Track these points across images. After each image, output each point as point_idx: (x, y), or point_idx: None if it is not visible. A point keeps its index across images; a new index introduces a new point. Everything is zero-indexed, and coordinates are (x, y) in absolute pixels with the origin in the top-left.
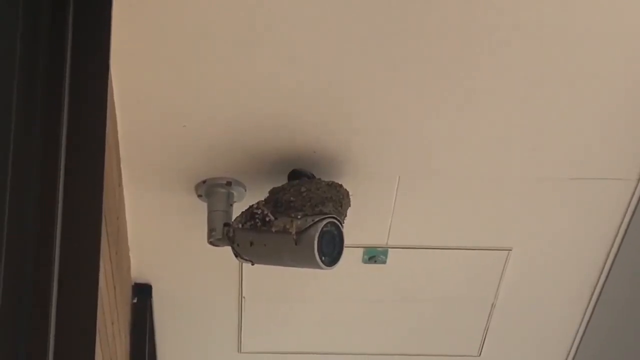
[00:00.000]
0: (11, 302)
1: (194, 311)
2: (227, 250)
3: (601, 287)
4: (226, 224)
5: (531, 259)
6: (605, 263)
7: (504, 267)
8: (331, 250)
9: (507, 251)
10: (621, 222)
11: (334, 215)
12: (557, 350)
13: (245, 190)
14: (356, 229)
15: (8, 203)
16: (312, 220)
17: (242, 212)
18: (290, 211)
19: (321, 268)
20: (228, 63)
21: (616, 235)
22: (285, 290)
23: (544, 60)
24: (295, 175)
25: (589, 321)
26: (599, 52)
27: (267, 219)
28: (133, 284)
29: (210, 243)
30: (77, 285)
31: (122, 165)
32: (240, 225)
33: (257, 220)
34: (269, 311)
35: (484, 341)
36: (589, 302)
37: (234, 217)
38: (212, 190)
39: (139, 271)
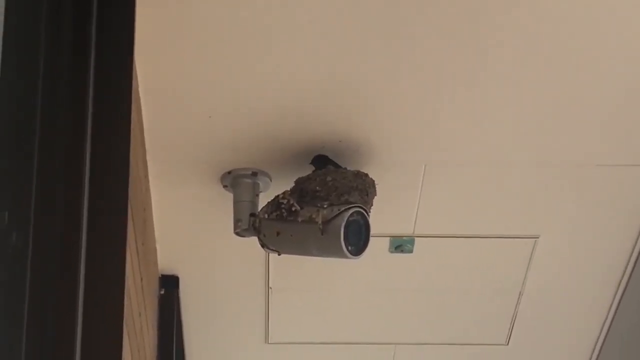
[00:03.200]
0: (39, 293)
1: (221, 302)
2: (254, 240)
3: (629, 273)
4: (252, 215)
5: (559, 246)
6: (633, 249)
7: (531, 254)
8: (357, 239)
9: (534, 239)
10: None
11: (360, 205)
12: (586, 338)
13: (271, 181)
14: (382, 218)
15: (35, 196)
16: (338, 210)
17: (268, 202)
18: (316, 201)
19: (347, 258)
20: (252, 54)
21: None
22: (312, 280)
23: (571, 46)
24: (319, 160)
25: (617, 308)
26: (625, 37)
27: (293, 208)
28: (160, 275)
29: (237, 234)
30: (103, 276)
31: (147, 157)
32: (266, 216)
33: (283, 210)
34: (296, 301)
35: (512, 330)
36: (617, 289)
37: (259, 208)
38: (238, 180)
39: (165, 262)
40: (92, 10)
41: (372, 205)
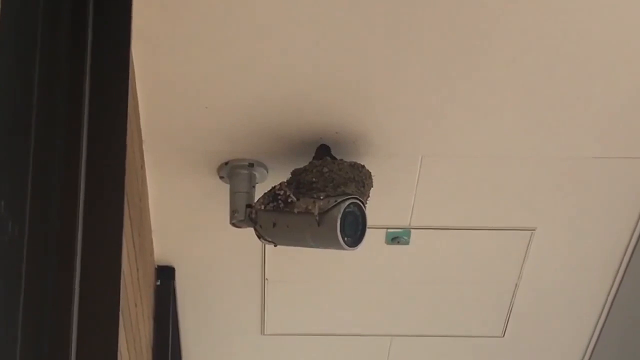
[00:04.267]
0: (35, 284)
1: (216, 293)
2: (250, 231)
3: (625, 266)
4: (248, 206)
5: (555, 239)
6: (629, 242)
7: (527, 247)
8: (354, 231)
9: (530, 231)
10: None
11: (356, 196)
12: (582, 330)
13: (268, 172)
14: (379, 210)
15: (31, 186)
16: (335, 201)
17: (265, 193)
18: (312, 192)
19: (344, 249)
20: (249, 44)
21: None
22: (308, 271)
23: (567, 38)
24: (322, 150)
25: (613, 300)
26: (622, 30)
27: (290, 200)
28: (156, 266)
29: (233, 224)
30: (100, 267)
31: (144, 148)
32: (262, 207)
33: (280, 201)
34: (292, 293)
35: (507, 322)
36: (613, 282)
37: (256, 199)
38: (235, 171)
39: (161, 253)
40: (89, 2)
41: (368, 196)
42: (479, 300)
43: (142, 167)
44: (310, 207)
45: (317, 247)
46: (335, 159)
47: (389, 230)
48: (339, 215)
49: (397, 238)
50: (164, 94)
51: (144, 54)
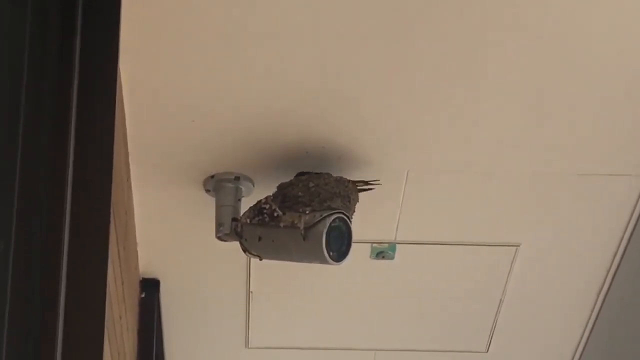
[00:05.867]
0: (20, 296)
1: (201, 306)
2: (235, 245)
3: (609, 282)
4: (234, 219)
5: (539, 255)
6: (613, 258)
7: (512, 262)
8: (339, 245)
9: (515, 247)
10: (630, 218)
11: (342, 211)
12: (565, 346)
13: (254, 185)
14: (364, 225)
15: (17, 197)
16: (321, 216)
17: (250, 207)
18: (298, 206)
19: (329, 264)
20: (237, 58)
21: (624, 231)
22: (293, 285)
23: (550, 57)
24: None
25: (597, 317)
26: (605, 47)
27: (275, 214)
28: (141, 279)
29: (218, 238)
30: (85, 280)
31: (130, 160)
32: (248, 221)
33: (265, 215)
34: (277, 306)
35: (491, 337)
36: (597, 298)
37: (242, 212)
38: (221, 185)
39: (146, 266)
40: (77, 15)
41: (354, 211)
42: (463, 316)
43: (128, 179)
44: (295, 222)
45: (303, 261)
46: (320, 173)
47: (374, 245)
48: (325, 230)
49: (382, 253)
50: (151, 107)
51: (132, 67)
